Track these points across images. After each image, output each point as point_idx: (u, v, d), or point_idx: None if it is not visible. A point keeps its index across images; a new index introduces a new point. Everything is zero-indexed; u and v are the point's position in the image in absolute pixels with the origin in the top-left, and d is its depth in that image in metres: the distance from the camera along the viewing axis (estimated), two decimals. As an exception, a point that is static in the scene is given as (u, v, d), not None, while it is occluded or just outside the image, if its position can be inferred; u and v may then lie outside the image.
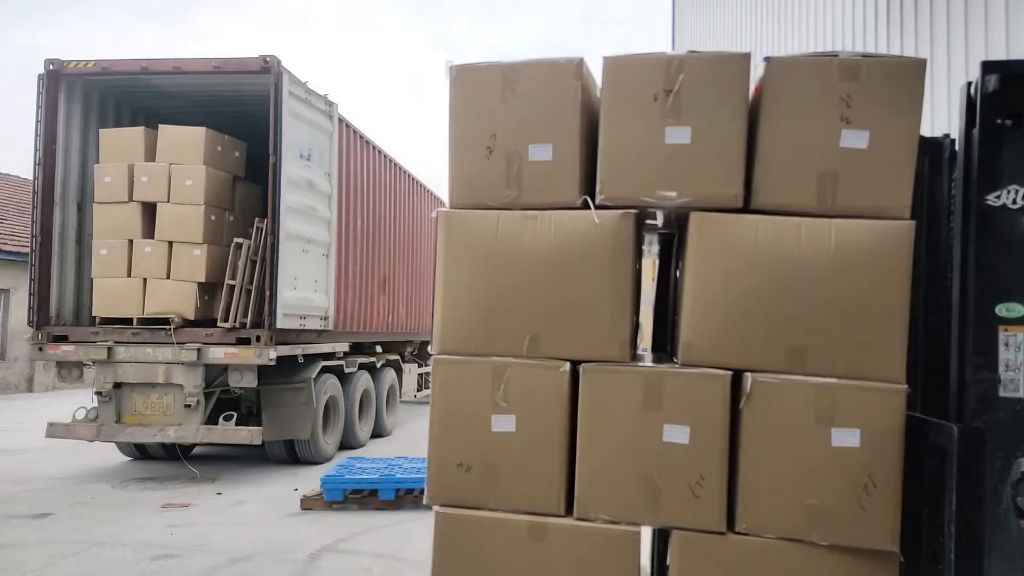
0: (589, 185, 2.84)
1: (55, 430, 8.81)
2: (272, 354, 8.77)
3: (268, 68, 8.95)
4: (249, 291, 9.12)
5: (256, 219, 9.38)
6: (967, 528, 2.55)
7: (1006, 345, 2.59)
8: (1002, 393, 2.58)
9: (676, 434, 2.71)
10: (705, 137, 2.75)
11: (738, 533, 2.70)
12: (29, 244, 9.62)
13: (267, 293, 8.90)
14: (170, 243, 9.04)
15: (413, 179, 14.53)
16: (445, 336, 2.93)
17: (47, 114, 9.30)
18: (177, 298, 8.98)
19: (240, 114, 9.97)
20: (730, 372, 2.72)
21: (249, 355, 8.71)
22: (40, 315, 9.25)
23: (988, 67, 2.65)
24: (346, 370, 11.08)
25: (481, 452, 2.84)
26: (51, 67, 9.33)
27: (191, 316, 8.97)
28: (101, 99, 10.04)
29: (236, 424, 8.99)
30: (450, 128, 2.99)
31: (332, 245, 10.40)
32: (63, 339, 9.02)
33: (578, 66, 2.86)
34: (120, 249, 9.04)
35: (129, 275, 9.03)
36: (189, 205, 8.98)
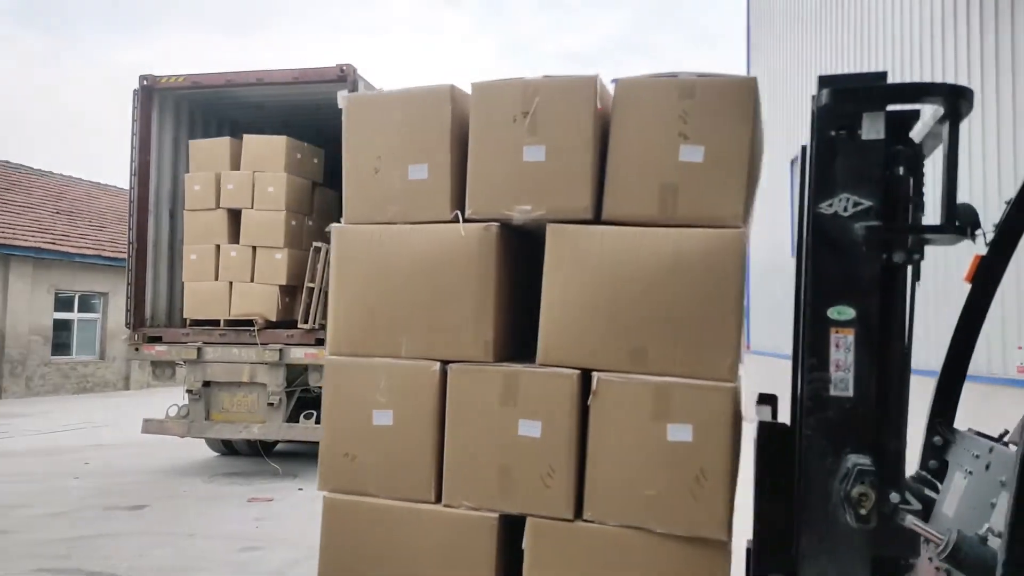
0: (461, 200, 3.11)
1: (150, 426, 9.28)
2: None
3: (344, 76, 9.12)
4: (327, 293, 9.35)
5: (334, 223, 9.58)
6: (808, 523, 2.65)
7: (837, 346, 2.67)
8: (832, 392, 2.67)
9: (529, 428, 2.95)
10: (558, 155, 2.98)
11: (586, 521, 2.90)
12: (126, 250, 10.07)
13: None
14: (254, 248, 9.37)
15: None
16: (336, 339, 3.25)
17: (142, 127, 9.75)
18: (260, 300, 9.31)
19: (318, 122, 10.07)
20: (578, 371, 2.93)
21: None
22: (136, 317, 9.70)
23: (823, 81, 2.76)
24: None
25: (364, 443, 3.15)
26: (145, 83, 9.76)
27: (273, 318, 9.28)
28: (190, 111, 10.51)
29: (315, 423, 9.08)
30: (344, 151, 3.33)
31: None
32: (157, 340, 9.43)
33: (449, 92, 3.14)
34: (208, 254, 9.43)
35: (216, 279, 9.39)
36: (271, 211, 9.32)
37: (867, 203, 2.65)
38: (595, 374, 2.92)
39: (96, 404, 17.89)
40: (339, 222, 9.64)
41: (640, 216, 2.94)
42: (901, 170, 2.75)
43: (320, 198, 10.18)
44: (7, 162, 23.08)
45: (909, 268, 2.77)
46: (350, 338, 3.23)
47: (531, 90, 3.03)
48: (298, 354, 8.97)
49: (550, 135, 2.99)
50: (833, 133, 2.69)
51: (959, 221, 2.81)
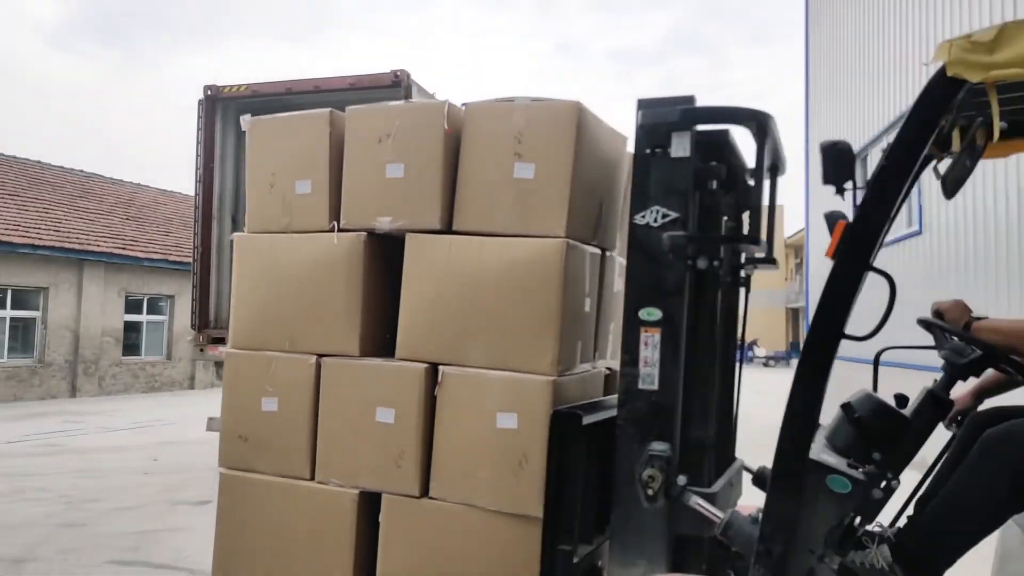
0: (338, 212, 3.52)
1: (213, 424, 9.39)
2: None
3: (399, 82, 9.23)
4: None
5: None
6: (617, 503, 2.94)
7: (645, 344, 2.95)
8: (640, 386, 2.94)
9: (385, 415, 3.32)
10: (414, 172, 3.37)
11: (431, 498, 3.26)
12: (191, 255, 10.40)
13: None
14: None
15: None
16: (235, 334, 3.70)
17: (206, 135, 10.07)
18: None
19: None
20: (427, 365, 3.30)
21: None
22: (200, 319, 10.03)
23: (640, 104, 3.05)
24: None
25: (254, 427, 3.57)
26: (209, 92, 10.06)
27: None
28: None
29: None
30: (247, 169, 3.78)
31: None
32: (220, 341, 9.47)
33: (328, 116, 3.56)
34: None
35: None
36: None
37: (675, 215, 2.91)
38: (441, 368, 3.28)
39: (163, 403, 18.72)
40: None
41: (482, 227, 3.30)
42: (713, 184, 3.04)
43: (375, 201, 10.53)
44: (82, 171, 24.38)
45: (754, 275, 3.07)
46: (246, 334, 3.67)
47: (393, 115, 3.43)
48: None
49: (407, 155, 3.38)
50: (648, 151, 2.96)
51: (832, 227, 3.08)
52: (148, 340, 22.08)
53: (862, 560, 2.71)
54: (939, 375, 2.90)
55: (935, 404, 2.85)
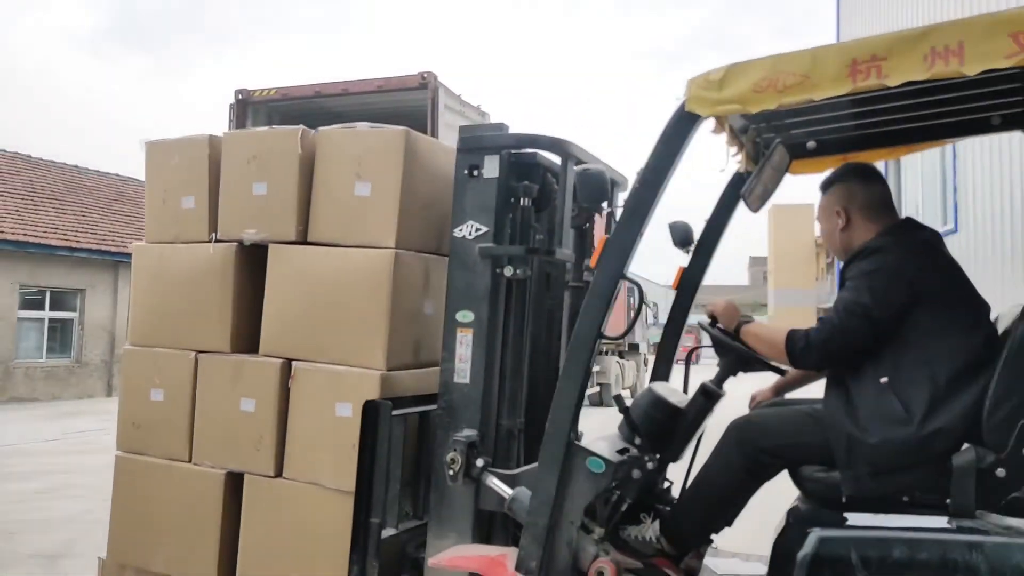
0: (216, 225, 3.97)
1: None
2: None
3: (426, 84, 9.25)
4: None
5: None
6: (434, 484, 3.36)
7: (460, 343, 3.35)
8: (455, 380, 3.35)
9: (247, 405, 3.76)
10: (275, 189, 3.80)
11: (284, 478, 3.68)
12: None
13: None
14: None
15: None
16: (132, 333, 4.18)
17: None
18: None
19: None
20: (283, 360, 3.72)
21: None
22: None
23: (461, 130, 3.52)
24: None
25: (144, 414, 4.05)
26: (240, 96, 10.09)
27: None
28: (281, 122, 10.79)
29: None
30: (146, 186, 4.25)
31: None
32: None
33: (207, 140, 4.02)
34: None
35: None
36: None
37: (486, 228, 3.32)
38: (294, 363, 3.71)
39: None
40: None
41: (330, 238, 3.72)
42: (525, 201, 3.41)
43: (402, 203, 10.88)
44: (118, 175, 25.29)
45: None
46: (140, 332, 4.15)
47: (259, 139, 3.93)
48: None
49: (270, 174, 3.82)
50: (465, 172, 3.37)
51: (675, 238, 3.48)
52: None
53: (636, 533, 3.12)
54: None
55: (706, 396, 3.15)
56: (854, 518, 2.60)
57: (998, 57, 2.25)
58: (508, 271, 3.30)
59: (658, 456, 3.07)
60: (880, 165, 13.57)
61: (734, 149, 3.35)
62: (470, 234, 3.33)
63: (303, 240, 3.77)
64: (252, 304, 3.89)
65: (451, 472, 3.21)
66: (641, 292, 3.25)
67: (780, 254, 48.84)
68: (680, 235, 3.56)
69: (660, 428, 3.08)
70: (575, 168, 3.14)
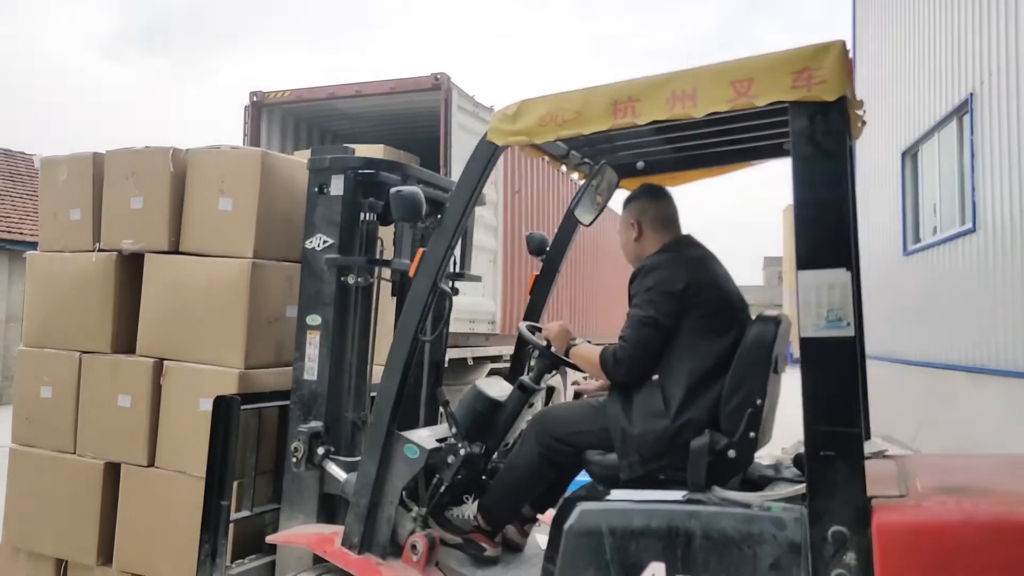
0: (100, 236, 4.33)
1: None
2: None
3: (438, 85, 9.29)
4: None
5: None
6: (287, 471, 3.71)
7: (310, 344, 3.72)
8: (304, 377, 3.72)
9: (124, 400, 4.13)
10: (150, 204, 4.17)
11: (156, 467, 4.06)
12: None
13: None
14: None
15: (576, 183, 14.29)
16: (26, 335, 4.54)
17: (252, 140, 10.14)
18: None
19: (413, 130, 10.50)
20: (155, 360, 4.09)
21: None
22: None
23: (313, 151, 3.88)
24: None
25: (36, 410, 4.41)
26: (254, 99, 10.30)
27: None
28: (295, 124, 11.00)
29: None
30: (39, 199, 4.60)
31: (499, 251, 10.72)
32: None
33: (91, 158, 4.37)
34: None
35: None
36: None
37: (332, 240, 3.67)
38: (165, 362, 4.07)
39: None
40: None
41: (198, 249, 4.09)
42: (368, 216, 3.74)
43: (416, 202, 10.93)
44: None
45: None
46: (34, 334, 4.51)
47: (136, 157, 4.26)
48: None
49: (146, 190, 4.19)
50: (315, 189, 3.73)
51: (530, 248, 4.15)
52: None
53: (459, 512, 3.54)
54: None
55: (523, 391, 3.56)
56: (616, 494, 2.95)
57: (722, 102, 2.65)
58: (351, 279, 3.67)
59: (479, 444, 3.48)
60: (894, 164, 13.34)
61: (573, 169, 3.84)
62: (318, 246, 3.69)
63: (175, 250, 4.13)
64: (131, 308, 4.25)
65: (295, 459, 3.59)
66: (451, 301, 3.85)
67: (795, 254, 48.46)
68: (535, 245, 4.16)
69: (482, 419, 3.52)
70: (391, 190, 3.45)
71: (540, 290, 4.20)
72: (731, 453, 2.87)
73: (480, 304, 10.23)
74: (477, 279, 4.32)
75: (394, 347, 3.31)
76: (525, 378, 3.57)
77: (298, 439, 3.59)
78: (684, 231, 3.43)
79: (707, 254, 3.30)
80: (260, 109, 10.43)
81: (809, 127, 2.53)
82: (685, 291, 3.06)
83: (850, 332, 2.47)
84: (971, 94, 10.79)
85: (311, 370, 3.69)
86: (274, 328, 4.06)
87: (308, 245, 3.70)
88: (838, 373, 2.48)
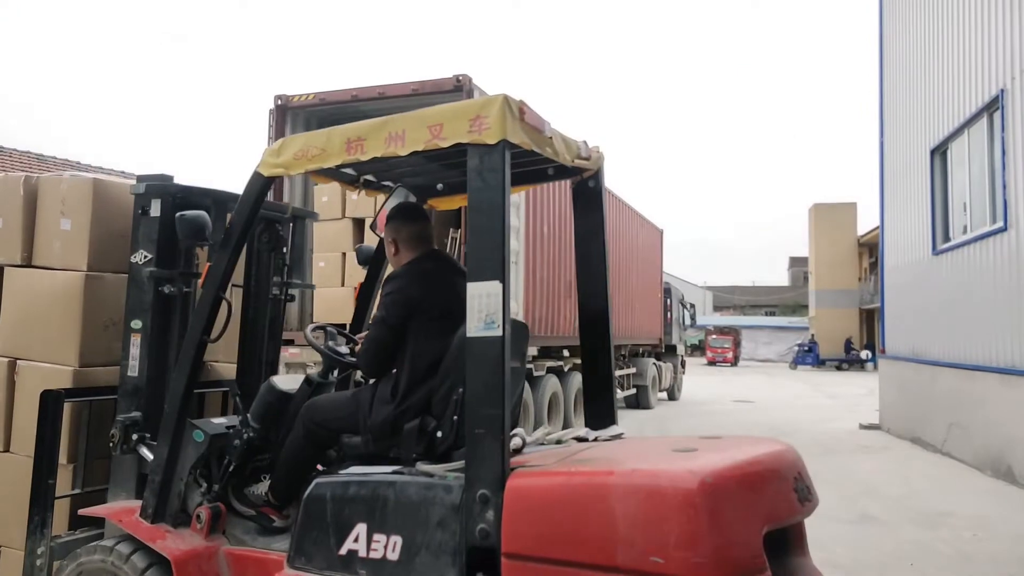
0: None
1: None
2: None
3: (460, 86, 9.43)
4: None
5: (451, 229, 9.95)
6: (113, 457, 4.25)
7: (134, 345, 4.26)
8: (128, 374, 4.25)
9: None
10: (9, 224, 4.80)
11: (11, 452, 4.64)
12: None
13: None
14: None
15: None
16: None
17: None
18: None
19: None
20: (10, 359, 4.70)
21: None
22: None
23: (137, 178, 4.38)
24: (535, 373, 11.51)
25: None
26: (279, 102, 10.54)
27: None
28: (319, 126, 11.05)
29: None
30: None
31: (520, 252, 10.78)
32: (289, 343, 9.43)
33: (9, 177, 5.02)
34: (335, 261, 10.05)
35: (343, 284, 9.92)
36: None
37: (150, 256, 4.22)
38: (18, 361, 4.68)
39: None
40: (456, 228, 9.96)
41: (45, 263, 4.70)
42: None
43: (438, 205, 10.88)
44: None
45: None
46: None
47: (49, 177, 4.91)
48: None
49: (4, 211, 4.80)
50: (139, 211, 4.28)
51: (359, 259, 4.81)
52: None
53: (252, 490, 4.08)
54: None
55: (309, 385, 4.10)
56: (348, 470, 3.45)
57: (420, 143, 3.16)
58: (167, 289, 4.23)
59: (273, 430, 4.03)
60: (923, 162, 13.20)
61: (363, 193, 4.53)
62: (140, 260, 4.25)
63: (28, 264, 4.75)
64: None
65: (112, 444, 4.15)
66: (230, 308, 4.16)
67: (821, 254, 48.06)
68: (363, 256, 4.79)
69: (273, 409, 4.05)
70: (177, 215, 3.99)
71: (364, 297, 4.79)
72: (439, 434, 3.37)
73: None
74: (311, 287, 5.30)
75: (184, 347, 3.90)
76: (312, 373, 4.13)
77: (115, 427, 4.13)
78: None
79: (446, 268, 3.82)
80: (284, 112, 10.74)
81: (479, 164, 3.00)
82: (414, 299, 3.58)
83: (499, 332, 2.90)
84: (1002, 90, 10.59)
85: (134, 368, 4.23)
86: (110, 332, 4.59)
87: (133, 260, 4.26)
88: (490, 365, 2.91)
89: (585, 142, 3.68)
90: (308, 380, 4.07)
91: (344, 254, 10.20)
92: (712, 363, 49.00)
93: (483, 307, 2.94)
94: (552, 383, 12.37)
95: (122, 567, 3.67)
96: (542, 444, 3.62)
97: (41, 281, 4.66)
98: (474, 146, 3.01)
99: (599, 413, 3.89)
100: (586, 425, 3.89)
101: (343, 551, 3.16)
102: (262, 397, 4.07)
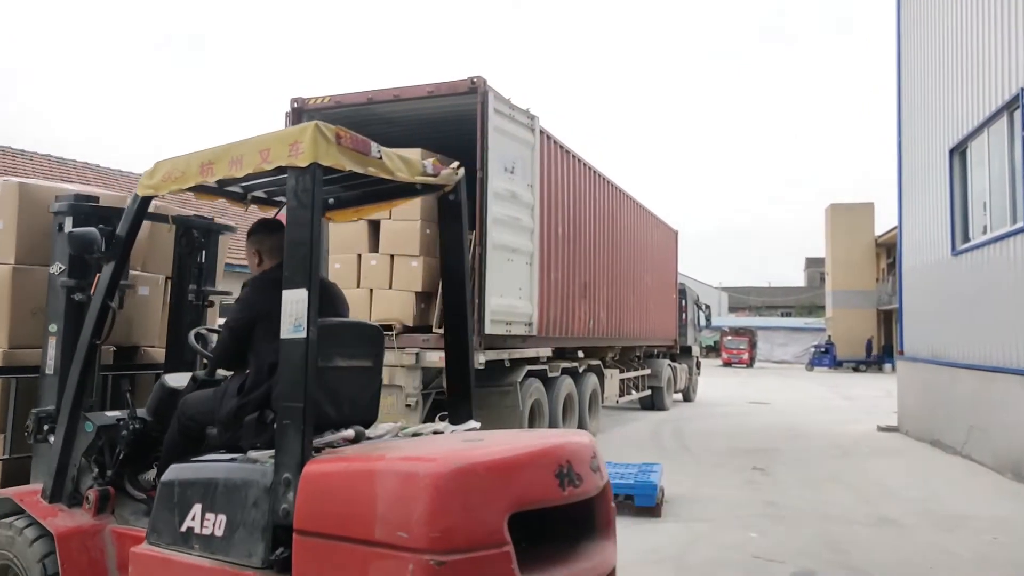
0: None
1: None
2: (481, 358, 9.16)
3: (475, 88, 9.46)
4: None
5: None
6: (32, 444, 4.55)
7: (50, 346, 4.57)
8: (46, 371, 4.58)
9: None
10: None
11: None
12: None
13: (476, 301, 9.18)
14: (391, 256, 9.86)
15: (612, 185, 14.64)
16: None
17: None
18: (398, 306, 9.73)
19: (450, 133, 10.59)
20: None
21: None
22: None
23: (55, 199, 4.70)
24: (550, 375, 11.41)
25: None
26: (295, 105, 10.48)
27: (410, 323, 9.66)
28: None
29: (450, 423, 9.71)
30: None
31: (535, 253, 10.78)
32: None
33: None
34: (351, 263, 10.03)
35: (358, 286, 9.93)
36: (406, 221, 9.71)
37: (64, 267, 4.56)
38: None
39: None
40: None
41: None
42: (98, 247, 4.31)
43: (453, 206, 10.76)
44: None
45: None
46: None
47: None
48: (433, 357, 9.26)
49: None
50: (56, 228, 4.62)
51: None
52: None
53: (144, 477, 4.32)
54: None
55: (195, 382, 4.24)
56: (202, 458, 3.72)
57: (253, 166, 3.47)
58: (78, 296, 4.48)
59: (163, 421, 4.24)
60: (942, 161, 13.09)
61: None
62: (56, 271, 4.59)
63: None
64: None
65: (26, 434, 4.49)
66: (113, 318, 4.27)
67: (838, 254, 47.59)
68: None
69: (164, 404, 4.31)
70: (69, 233, 4.27)
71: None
72: (275, 425, 3.43)
73: (516, 307, 10.30)
74: (227, 293, 5.40)
75: (78, 349, 4.18)
76: (199, 372, 4.29)
77: (30, 419, 4.47)
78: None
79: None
80: (300, 115, 10.66)
81: (295, 185, 3.29)
82: (256, 305, 3.82)
83: (304, 335, 3.16)
84: (1022, 89, 10.46)
85: (50, 366, 4.56)
86: (38, 318, 4.83)
87: (51, 270, 4.64)
88: (297, 365, 3.17)
89: (431, 161, 4.00)
90: (194, 378, 4.25)
91: (359, 255, 10.14)
92: (727, 364, 48.64)
93: (293, 312, 3.21)
94: (567, 384, 12.19)
95: (16, 539, 4.05)
96: (396, 436, 3.93)
97: (-18, 274, 5.02)
98: (292, 168, 3.30)
99: (459, 409, 4.20)
100: (449, 420, 4.20)
101: (184, 528, 3.45)
102: (155, 393, 4.38)
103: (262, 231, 4.14)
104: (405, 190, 4.17)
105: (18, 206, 4.98)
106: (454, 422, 4.13)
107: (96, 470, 4.20)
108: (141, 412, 4.32)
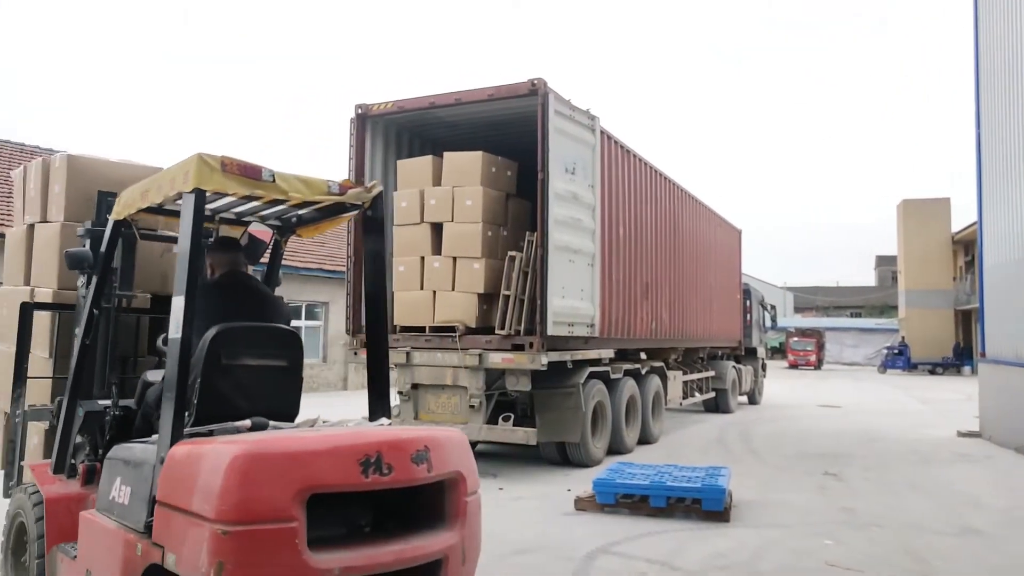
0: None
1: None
2: (544, 359, 9.27)
3: (535, 90, 9.48)
4: (522, 300, 9.69)
5: (527, 232, 10.01)
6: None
7: (75, 347, 4.79)
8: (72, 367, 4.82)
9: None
10: None
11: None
12: (345, 264, 11.02)
13: (538, 302, 9.39)
14: (454, 258, 9.94)
15: (673, 184, 14.51)
16: None
17: (357, 151, 10.58)
18: (461, 308, 9.83)
19: (511, 135, 10.69)
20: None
21: (523, 360, 9.30)
22: (354, 324, 10.55)
23: (81, 225, 5.28)
24: (612, 376, 11.31)
25: None
26: (360, 111, 10.65)
27: (473, 324, 9.78)
28: (398, 134, 11.32)
29: (513, 425, 9.73)
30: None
31: (596, 254, 10.74)
32: None
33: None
34: (414, 265, 10.16)
35: (421, 288, 10.09)
36: (469, 223, 9.84)
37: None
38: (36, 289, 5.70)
39: (320, 402, 19.77)
40: (532, 231, 10.19)
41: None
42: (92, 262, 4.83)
43: (513, 208, 10.73)
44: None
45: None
46: None
47: None
48: (496, 359, 9.44)
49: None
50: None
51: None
52: (306, 344, 23.65)
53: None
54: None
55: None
56: (140, 439, 4.09)
57: (162, 195, 3.89)
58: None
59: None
60: (1017, 154, 12.70)
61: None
62: (82, 283, 5.08)
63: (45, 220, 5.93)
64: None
65: (52, 417, 5.08)
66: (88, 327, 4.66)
67: (911, 252, 45.96)
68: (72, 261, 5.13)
69: (142, 394, 4.54)
70: (65, 252, 4.87)
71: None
72: (186, 413, 3.71)
73: (579, 308, 10.21)
74: (139, 295, 5.62)
75: (74, 346, 4.70)
76: (150, 373, 4.49)
77: (54, 404, 5.06)
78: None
79: (238, 286, 4.52)
80: (364, 121, 10.83)
81: (186, 207, 3.67)
82: (200, 308, 3.90)
83: (178, 336, 3.54)
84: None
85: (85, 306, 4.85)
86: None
87: (78, 283, 5.14)
88: (173, 362, 3.56)
89: (335, 181, 4.15)
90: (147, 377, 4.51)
91: (422, 258, 10.13)
92: (794, 366, 47.42)
93: (175, 316, 3.58)
94: (630, 385, 11.95)
95: (26, 500, 4.67)
96: (311, 427, 4.16)
97: (43, 230, 5.88)
98: (188, 193, 3.64)
99: (375, 406, 4.36)
100: (370, 418, 4.36)
101: (110, 497, 3.91)
102: (139, 385, 4.61)
103: (217, 247, 4.63)
104: (335, 209, 4.52)
105: (67, 175, 5.71)
106: (371, 419, 4.32)
107: (88, 448, 4.66)
108: (126, 402, 4.65)
